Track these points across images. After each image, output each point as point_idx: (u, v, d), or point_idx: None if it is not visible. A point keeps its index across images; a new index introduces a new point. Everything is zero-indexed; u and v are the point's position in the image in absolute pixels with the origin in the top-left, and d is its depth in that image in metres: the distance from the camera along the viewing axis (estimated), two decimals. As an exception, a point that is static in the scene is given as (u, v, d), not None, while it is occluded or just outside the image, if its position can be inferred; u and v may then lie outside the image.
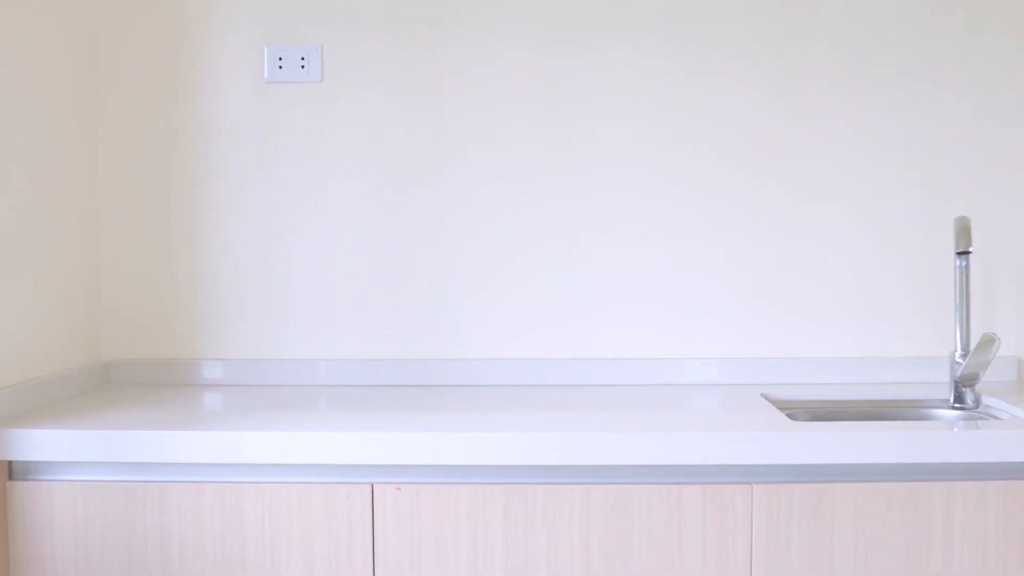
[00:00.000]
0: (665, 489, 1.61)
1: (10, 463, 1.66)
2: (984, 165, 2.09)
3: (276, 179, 2.10)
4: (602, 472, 1.63)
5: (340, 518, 1.62)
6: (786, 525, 1.61)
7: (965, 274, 1.89)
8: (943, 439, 1.59)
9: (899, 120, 2.09)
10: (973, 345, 1.94)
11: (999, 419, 1.80)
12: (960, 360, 1.88)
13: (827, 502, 1.61)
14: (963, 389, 1.89)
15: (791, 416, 1.92)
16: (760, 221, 2.10)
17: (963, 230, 1.85)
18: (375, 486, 1.62)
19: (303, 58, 2.04)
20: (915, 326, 2.11)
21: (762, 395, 1.96)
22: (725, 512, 1.61)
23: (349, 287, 2.12)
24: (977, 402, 1.89)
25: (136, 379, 2.11)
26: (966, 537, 1.61)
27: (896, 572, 1.61)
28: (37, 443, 1.63)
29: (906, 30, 2.07)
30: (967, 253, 1.85)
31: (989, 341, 1.82)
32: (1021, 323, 2.10)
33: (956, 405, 1.90)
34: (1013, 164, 2.08)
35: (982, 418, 1.86)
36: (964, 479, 1.61)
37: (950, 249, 2.09)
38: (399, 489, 1.62)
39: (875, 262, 2.11)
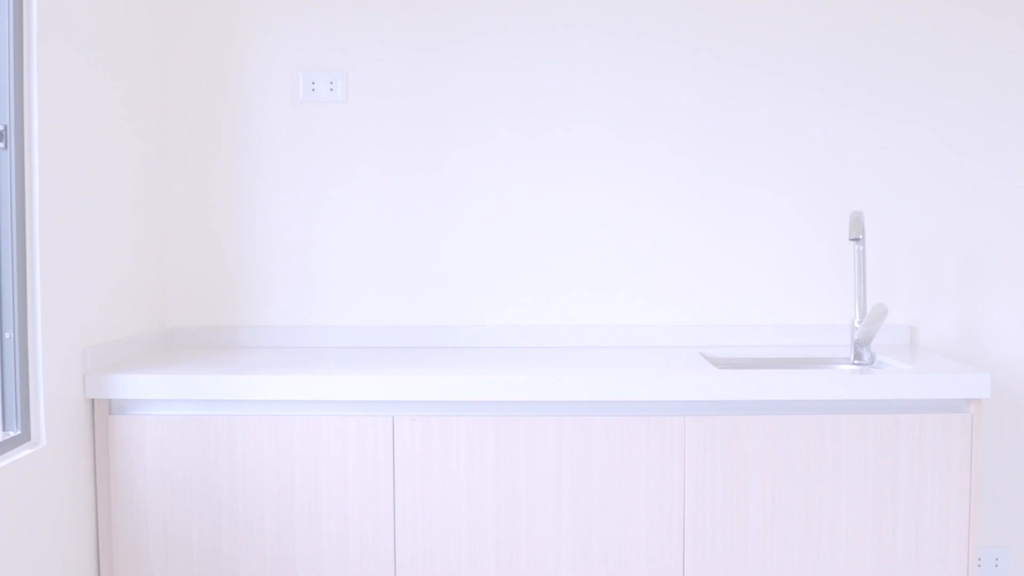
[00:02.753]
0: (618, 420, 2.10)
1: (110, 401, 2.13)
2: (883, 162, 2.54)
3: (308, 182, 2.55)
4: (571, 407, 2.11)
5: (368, 443, 2.10)
6: (711, 449, 2.10)
7: (862, 256, 2.36)
8: (831, 381, 2.08)
9: (815, 127, 2.53)
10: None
11: (883, 370, 2.28)
12: (858, 325, 2.36)
13: (742, 431, 2.09)
14: (860, 349, 2.37)
15: (720, 368, 2.40)
16: (707, 214, 2.56)
17: (855, 221, 2.33)
18: (395, 418, 2.11)
19: (332, 82, 2.51)
20: (837, 298, 2.57)
21: (700, 353, 2.44)
22: (664, 439, 2.10)
23: (368, 267, 2.57)
24: (872, 359, 2.37)
25: (194, 342, 2.58)
26: (851, 459, 2.10)
27: (795, 487, 2.10)
28: (132, 385, 2.11)
29: (815, 54, 2.53)
30: (859, 240, 2.33)
31: (881, 311, 2.29)
32: (914, 296, 2.57)
33: (855, 362, 2.38)
34: (908, 161, 2.54)
35: (870, 370, 2.34)
36: (849, 414, 2.10)
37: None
38: (414, 420, 2.10)
39: (803, 246, 2.56)
